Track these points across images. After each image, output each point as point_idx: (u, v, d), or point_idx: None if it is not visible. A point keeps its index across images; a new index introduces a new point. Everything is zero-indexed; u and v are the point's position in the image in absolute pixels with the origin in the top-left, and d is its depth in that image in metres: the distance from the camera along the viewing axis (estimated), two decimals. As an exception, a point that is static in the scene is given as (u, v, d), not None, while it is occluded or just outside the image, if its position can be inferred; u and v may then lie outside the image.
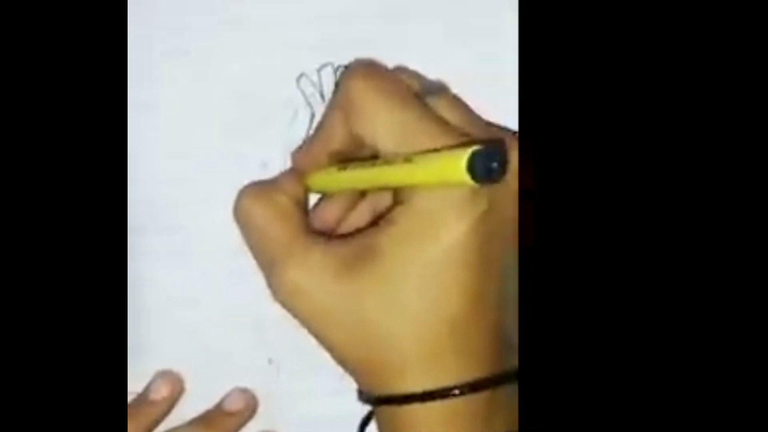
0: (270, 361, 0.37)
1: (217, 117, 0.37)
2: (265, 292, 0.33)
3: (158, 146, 0.36)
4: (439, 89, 0.33)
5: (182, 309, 0.37)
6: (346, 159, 0.33)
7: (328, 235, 0.34)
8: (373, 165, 0.31)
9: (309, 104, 0.37)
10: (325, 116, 0.35)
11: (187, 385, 0.37)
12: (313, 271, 0.32)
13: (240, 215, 0.34)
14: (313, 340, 0.33)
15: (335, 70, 0.36)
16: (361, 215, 0.35)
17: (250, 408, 0.37)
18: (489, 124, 0.34)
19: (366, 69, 0.33)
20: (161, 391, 0.36)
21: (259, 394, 0.37)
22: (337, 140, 0.33)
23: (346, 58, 0.36)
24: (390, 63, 0.36)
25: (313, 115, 0.37)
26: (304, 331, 0.33)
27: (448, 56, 0.37)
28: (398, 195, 0.32)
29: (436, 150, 0.30)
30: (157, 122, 0.36)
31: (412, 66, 0.36)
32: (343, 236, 0.34)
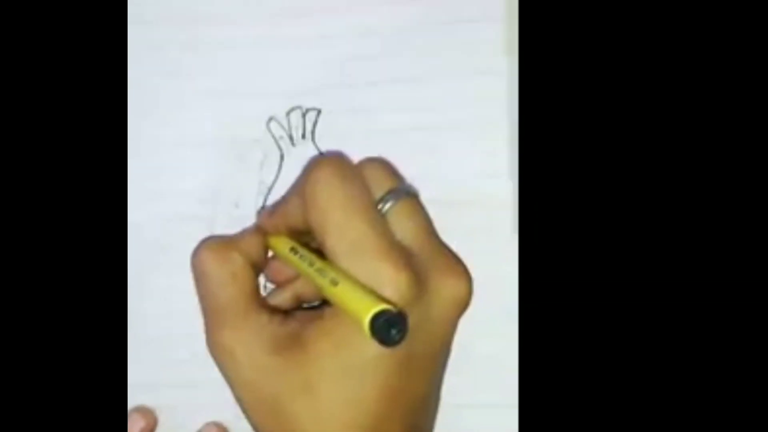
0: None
1: (190, 158, 0.38)
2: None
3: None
4: (404, 193, 0.34)
5: (156, 342, 0.38)
6: (306, 233, 0.34)
7: (270, 310, 0.34)
8: (312, 266, 0.32)
9: (278, 147, 0.38)
10: (287, 195, 0.36)
11: (160, 419, 0.38)
12: (245, 341, 0.33)
13: (196, 265, 0.35)
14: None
15: (303, 114, 0.37)
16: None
17: (224, 443, 0.38)
18: (439, 241, 0.34)
19: (331, 170, 0.33)
20: (135, 426, 0.37)
21: (232, 429, 0.38)
22: (294, 221, 0.34)
23: (315, 102, 0.37)
24: (359, 101, 0.37)
25: (282, 158, 0.38)
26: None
27: (419, 96, 0.37)
28: None
29: (374, 267, 0.31)
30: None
31: (381, 104, 0.37)
32: (286, 314, 0.35)
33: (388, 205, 0.33)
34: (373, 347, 0.29)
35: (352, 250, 0.32)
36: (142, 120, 0.38)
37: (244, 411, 0.34)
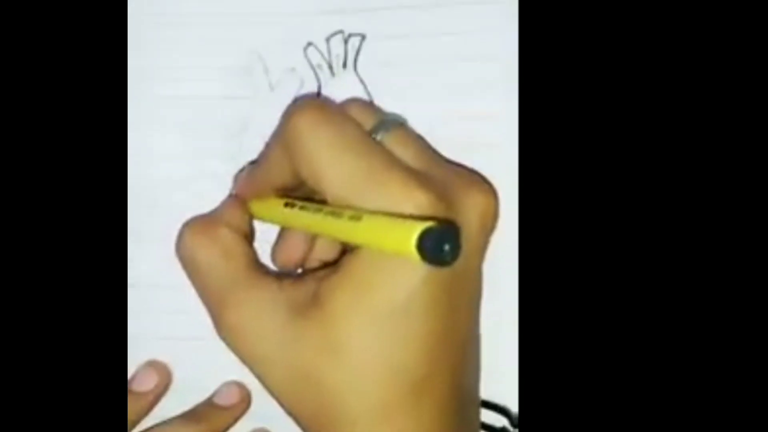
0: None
1: (220, 84, 0.35)
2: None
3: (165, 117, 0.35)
4: (394, 122, 0.31)
5: (172, 296, 0.34)
6: (291, 192, 0.31)
7: (278, 276, 0.32)
8: (320, 211, 0.29)
9: (316, 75, 0.34)
10: (267, 150, 0.32)
11: (176, 376, 0.35)
12: (256, 315, 0.30)
13: (182, 253, 0.32)
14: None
15: (345, 40, 0.34)
16: (329, 245, 0.33)
17: (244, 403, 0.35)
18: (447, 161, 0.32)
19: (312, 109, 0.30)
20: (147, 383, 0.34)
21: (253, 390, 0.35)
22: (280, 178, 0.31)
23: (358, 27, 0.34)
24: (400, 30, 0.34)
25: (319, 87, 0.34)
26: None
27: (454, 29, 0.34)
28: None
29: (386, 192, 0.28)
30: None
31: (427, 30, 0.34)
32: (297, 277, 0.31)
33: (380, 136, 0.30)
34: (402, 288, 0.27)
35: (357, 183, 0.28)
36: (157, 46, 0.34)
37: (271, 392, 0.31)
